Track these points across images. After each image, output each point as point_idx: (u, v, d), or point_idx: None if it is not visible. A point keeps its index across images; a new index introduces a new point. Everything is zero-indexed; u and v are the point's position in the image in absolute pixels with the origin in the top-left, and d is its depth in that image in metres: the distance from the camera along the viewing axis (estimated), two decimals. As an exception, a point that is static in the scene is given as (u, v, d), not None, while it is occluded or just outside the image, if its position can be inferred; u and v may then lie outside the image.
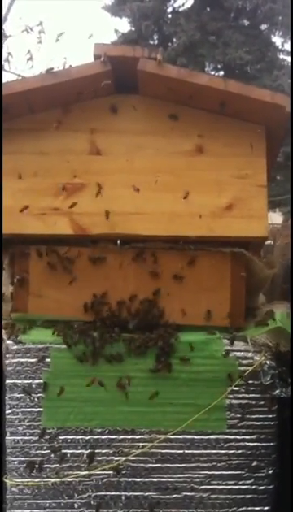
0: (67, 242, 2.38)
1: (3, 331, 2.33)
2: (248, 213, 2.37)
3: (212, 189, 2.38)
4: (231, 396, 2.28)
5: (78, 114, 2.42)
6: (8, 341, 2.29)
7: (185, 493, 2.31)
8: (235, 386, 2.27)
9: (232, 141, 2.41)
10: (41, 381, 2.27)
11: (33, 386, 2.27)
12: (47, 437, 2.28)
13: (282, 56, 20.63)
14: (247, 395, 2.29)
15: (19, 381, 2.28)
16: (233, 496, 2.31)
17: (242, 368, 2.27)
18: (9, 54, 8.92)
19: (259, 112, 2.37)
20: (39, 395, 2.27)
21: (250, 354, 2.28)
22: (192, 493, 2.31)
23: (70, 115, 2.42)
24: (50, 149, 2.40)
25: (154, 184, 2.37)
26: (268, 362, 2.25)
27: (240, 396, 2.29)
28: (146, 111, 2.42)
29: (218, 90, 2.31)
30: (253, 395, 2.29)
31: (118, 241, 2.42)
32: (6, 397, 2.28)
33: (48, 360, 2.28)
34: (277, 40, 21.92)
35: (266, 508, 2.31)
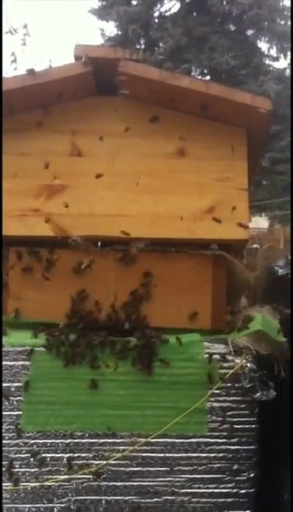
0: (47, 244, 2.37)
1: None
2: (229, 216, 2.37)
3: (193, 192, 2.38)
4: (212, 399, 2.27)
5: (59, 115, 2.41)
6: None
7: (165, 497, 2.29)
8: (216, 389, 2.26)
9: (213, 143, 2.41)
10: (20, 384, 2.24)
11: (12, 389, 2.24)
12: (26, 441, 2.26)
13: (267, 62, 20.84)
14: (227, 398, 2.28)
15: (-2, 384, 2.25)
16: (215, 500, 2.30)
17: (223, 371, 2.26)
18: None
19: (240, 115, 2.37)
20: (18, 398, 2.25)
21: (231, 357, 2.28)
22: (173, 497, 2.29)
23: (51, 116, 2.41)
24: (30, 150, 2.38)
25: (135, 186, 2.37)
26: (249, 364, 2.25)
27: (221, 399, 2.28)
28: (128, 113, 2.42)
29: (199, 93, 2.32)
30: (234, 398, 2.28)
31: (99, 243, 2.41)
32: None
33: (28, 363, 2.25)
34: (263, 45, 22.11)
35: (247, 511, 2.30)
